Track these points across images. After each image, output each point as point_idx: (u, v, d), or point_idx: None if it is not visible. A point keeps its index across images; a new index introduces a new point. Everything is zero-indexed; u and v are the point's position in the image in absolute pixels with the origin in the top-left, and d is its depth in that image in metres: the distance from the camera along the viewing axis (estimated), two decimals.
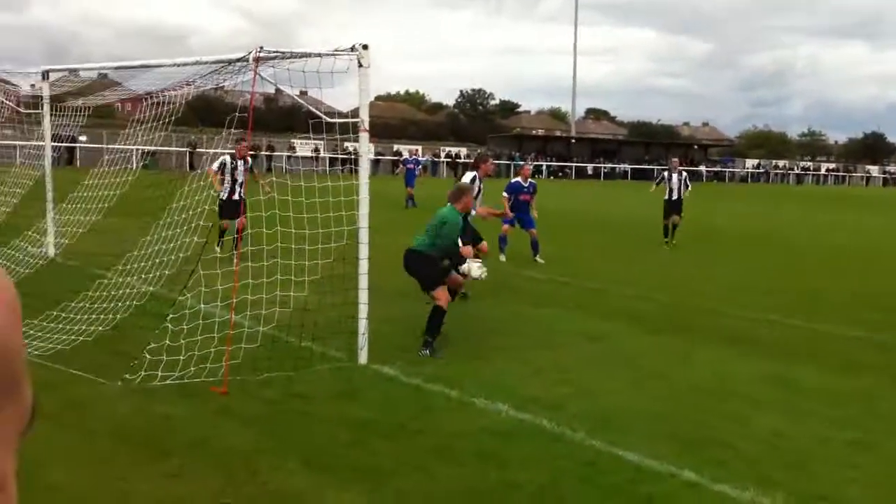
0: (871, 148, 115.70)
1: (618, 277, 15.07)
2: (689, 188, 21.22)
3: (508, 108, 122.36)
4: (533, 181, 16.82)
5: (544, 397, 7.49)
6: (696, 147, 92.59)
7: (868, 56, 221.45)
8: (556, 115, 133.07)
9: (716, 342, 10.15)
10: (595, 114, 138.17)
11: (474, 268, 9.36)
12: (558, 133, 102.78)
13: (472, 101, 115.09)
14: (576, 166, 75.72)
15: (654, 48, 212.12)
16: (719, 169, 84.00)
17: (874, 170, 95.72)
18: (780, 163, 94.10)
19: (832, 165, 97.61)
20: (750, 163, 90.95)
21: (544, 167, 75.11)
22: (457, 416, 6.95)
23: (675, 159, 23.89)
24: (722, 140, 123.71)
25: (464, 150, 74.91)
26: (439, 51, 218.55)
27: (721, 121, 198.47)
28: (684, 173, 21.29)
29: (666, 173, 21.37)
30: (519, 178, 16.76)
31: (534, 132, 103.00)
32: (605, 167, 77.89)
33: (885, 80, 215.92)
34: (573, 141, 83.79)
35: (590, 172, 76.39)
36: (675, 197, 20.58)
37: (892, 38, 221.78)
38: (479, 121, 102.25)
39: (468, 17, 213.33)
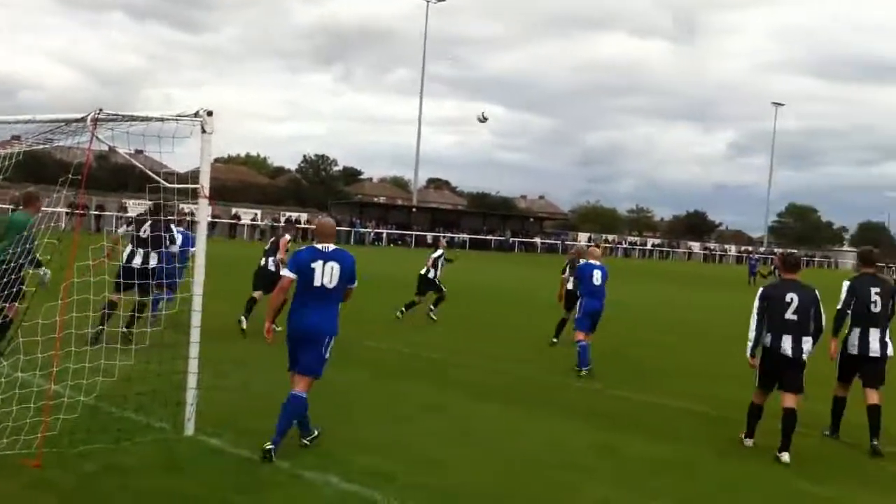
0: (693, 225, 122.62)
1: (461, 348, 15.26)
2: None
3: (351, 175, 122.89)
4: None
5: (378, 469, 7.43)
6: (531, 220, 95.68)
7: (695, 138, 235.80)
8: (398, 184, 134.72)
9: (549, 412, 10.40)
10: (437, 183, 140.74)
11: None
12: (400, 201, 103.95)
13: (315, 167, 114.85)
14: (416, 235, 76.61)
15: (498, 123, 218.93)
16: (553, 241, 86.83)
17: (696, 246, 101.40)
18: (610, 237, 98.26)
19: (657, 241, 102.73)
20: (583, 236, 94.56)
21: (384, 235, 75.68)
22: (287, 489, 6.81)
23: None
24: (556, 213, 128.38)
25: (304, 216, 74.58)
26: (284, 114, 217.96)
27: (558, 195, 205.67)
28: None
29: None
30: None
31: (375, 199, 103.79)
32: (444, 236, 79.14)
33: (709, 161, 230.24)
34: (414, 210, 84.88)
35: (429, 241, 77.36)
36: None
37: (717, 122, 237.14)
38: (322, 186, 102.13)
39: (315, 82, 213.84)
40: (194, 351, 8.27)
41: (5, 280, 9.19)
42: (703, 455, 8.94)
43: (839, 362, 9.96)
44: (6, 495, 6.22)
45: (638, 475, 7.93)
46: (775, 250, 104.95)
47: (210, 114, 8.15)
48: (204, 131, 8.16)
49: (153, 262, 12.56)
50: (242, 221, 67.76)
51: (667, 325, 22.06)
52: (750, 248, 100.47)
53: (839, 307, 9.85)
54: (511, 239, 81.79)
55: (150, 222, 12.72)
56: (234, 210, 68.02)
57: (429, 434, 8.98)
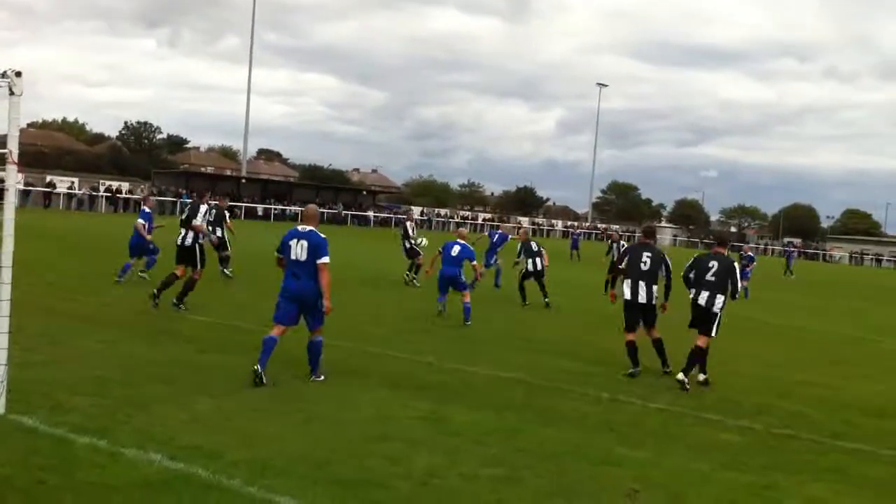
0: (522, 201, 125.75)
1: None
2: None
3: (176, 144, 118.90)
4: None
5: (202, 445, 7.24)
6: (364, 192, 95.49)
7: (525, 115, 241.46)
8: (227, 154, 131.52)
9: (380, 384, 10.43)
10: (267, 154, 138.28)
11: None
12: (229, 172, 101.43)
13: (138, 135, 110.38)
14: (245, 206, 75.02)
15: (331, 94, 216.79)
16: (386, 215, 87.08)
17: (525, 221, 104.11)
18: (443, 211, 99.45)
19: (488, 215, 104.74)
20: (416, 209, 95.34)
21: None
22: (104, 468, 6.52)
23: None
24: (390, 187, 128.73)
25: (126, 185, 71.55)
26: (104, 79, 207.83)
27: (391, 168, 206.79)
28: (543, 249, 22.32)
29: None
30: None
31: (203, 169, 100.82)
32: (275, 209, 77.91)
33: (539, 138, 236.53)
34: (243, 181, 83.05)
35: (260, 213, 76.04)
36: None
37: (547, 101, 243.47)
38: (144, 155, 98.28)
39: (138, 46, 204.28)
40: (3, 325, 7.78)
41: None
42: (526, 422, 9.19)
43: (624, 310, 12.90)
44: None
45: (463, 445, 8.06)
46: (598, 225, 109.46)
47: (19, 74, 7.65)
48: (12, 93, 7.66)
49: None
50: (58, 190, 64.24)
51: (495, 297, 22.51)
52: (575, 224, 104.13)
53: (620, 266, 13.33)
54: (344, 212, 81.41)
55: None
56: (48, 178, 64.40)
57: (255, 409, 8.81)
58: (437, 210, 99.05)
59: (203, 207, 16.61)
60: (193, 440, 7.40)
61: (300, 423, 8.41)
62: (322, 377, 10.34)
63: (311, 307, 10.24)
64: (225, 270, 21.52)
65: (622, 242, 28.50)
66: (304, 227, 10.26)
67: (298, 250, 10.13)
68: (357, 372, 11.10)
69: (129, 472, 6.49)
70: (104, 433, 7.28)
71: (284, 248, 10.29)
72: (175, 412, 8.35)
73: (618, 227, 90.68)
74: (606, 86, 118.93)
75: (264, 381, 9.76)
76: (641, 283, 12.56)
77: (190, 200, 23.13)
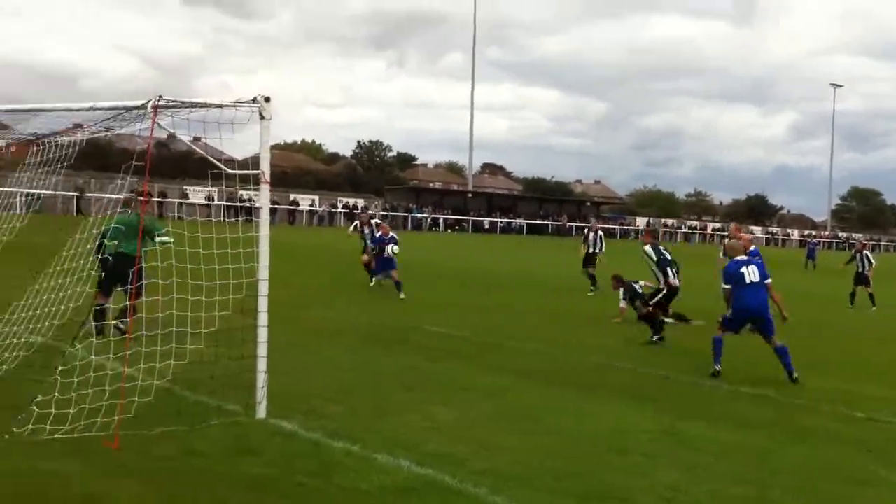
0: (753, 209, 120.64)
1: (515, 332, 15.24)
2: (604, 245, 24.33)
3: (405, 160, 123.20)
4: (393, 234, 21.00)
5: (447, 453, 7.46)
6: (588, 204, 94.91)
7: (754, 121, 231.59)
8: (453, 169, 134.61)
9: (612, 397, 10.33)
10: (491, 168, 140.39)
11: None
12: (455, 187, 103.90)
13: (370, 153, 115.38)
14: (472, 220, 76.57)
15: (552, 107, 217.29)
16: (611, 226, 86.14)
17: (757, 230, 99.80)
18: (669, 221, 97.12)
19: (718, 225, 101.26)
20: (641, 220, 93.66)
21: (441, 220, 75.75)
22: (359, 472, 6.85)
23: (594, 219, 28.71)
24: (613, 198, 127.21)
25: (361, 201, 74.89)
26: (338, 101, 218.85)
27: (614, 179, 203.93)
28: (600, 232, 24.54)
29: (585, 231, 25.41)
30: (381, 233, 20.94)
31: (431, 185, 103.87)
32: (501, 222, 79.00)
33: (769, 143, 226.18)
34: (470, 195, 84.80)
35: (486, 227, 77.34)
36: (591, 251, 23.83)
37: (777, 104, 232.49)
38: (376, 172, 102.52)
39: (368, 68, 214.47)
40: (262, 335, 8.37)
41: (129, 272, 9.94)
42: (772, 440, 8.79)
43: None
44: (89, 477, 6.36)
45: (706, 462, 7.82)
46: (839, 234, 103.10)
47: (268, 100, 8.22)
48: (262, 117, 8.23)
49: None
50: (301, 207, 68.31)
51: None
52: (813, 233, 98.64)
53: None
54: (568, 224, 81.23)
55: None
56: (292, 196, 68.61)
57: (492, 418, 8.98)
58: (663, 220, 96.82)
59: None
60: (438, 448, 7.63)
61: (539, 433, 8.47)
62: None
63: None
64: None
65: (866, 252, 26.72)
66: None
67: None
68: (588, 385, 11.04)
69: (381, 477, 6.78)
70: (356, 439, 7.64)
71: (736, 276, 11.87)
72: (418, 420, 8.65)
73: (861, 235, 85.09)
74: (841, 86, 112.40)
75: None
76: None
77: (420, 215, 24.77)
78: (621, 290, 17.13)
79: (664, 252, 16.38)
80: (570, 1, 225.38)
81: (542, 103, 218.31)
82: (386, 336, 13.97)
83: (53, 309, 9.29)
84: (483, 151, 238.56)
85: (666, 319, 17.24)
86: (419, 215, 74.31)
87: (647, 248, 16.39)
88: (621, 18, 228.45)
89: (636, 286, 16.95)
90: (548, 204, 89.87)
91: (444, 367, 11.60)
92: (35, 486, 6.07)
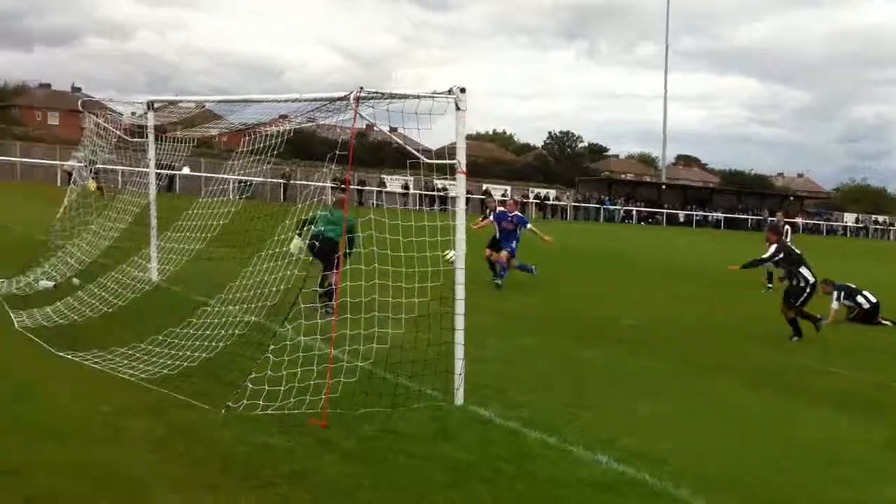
0: None
1: (719, 329, 14.76)
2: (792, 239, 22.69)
3: (596, 151, 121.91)
4: (519, 214, 19.34)
5: (646, 451, 7.30)
6: (791, 198, 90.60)
7: None
8: (646, 161, 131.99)
9: (822, 402, 9.81)
10: (685, 160, 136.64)
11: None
12: (648, 178, 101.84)
13: (561, 143, 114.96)
14: (667, 213, 74.79)
15: (749, 96, 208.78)
16: (816, 221, 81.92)
17: None
18: (881, 218, 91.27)
19: None
20: (849, 216, 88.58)
21: (634, 213, 74.45)
22: (555, 464, 6.81)
23: (780, 213, 27.27)
24: (818, 192, 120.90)
25: (552, 192, 74.75)
26: (529, 92, 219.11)
27: (819, 172, 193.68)
28: (787, 226, 22.89)
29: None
30: (505, 209, 19.14)
31: (623, 176, 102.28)
32: (697, 215, 76.78)
33: None
34: (663, 187, 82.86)
35: (681, 220, 75.38)
36: None
37: None
38: (567, 163, 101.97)
39: (559, 59, 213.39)
40: (460, 322, 8.47)
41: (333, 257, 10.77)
42: None
43: None
44: (298, 451, 6.65)
45: None
46: None
47: (463, 90, 8.29)
48: (458, 108, 8.30)
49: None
50: (493, 197, 68.91)
51: None
52: None
53: None
54: (769, 219, 77.82)
55: None
56: (484, 186, 69.33)
57: (697, 417, 8.73)
58: (873, 217, 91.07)
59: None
60: (637, 444, 7.47)
61: (746, 436, 8.15)
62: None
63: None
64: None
65: None
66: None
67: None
68: (793, 387, 10.53)
69: (577, 470, 6.72)
70: (553, 430, 7.61)
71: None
72: (616, 414, 8.52)
73: None
74: None
75: None
76: None
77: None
78: (833, 292, 16.39)
79: (795, 250, 15.13)
80: None
81: (739, 93, 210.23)
82: (585, 327, 13.84)
83: (265, 290, 9.79)
84: (676, 143, 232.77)
85: (884, 322, 16.37)
86: (612, 207, 73.33)
87: (774, 247, 14.55)
88: (823, 5, 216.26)
89: (849, 286, 16.24)
90: (747, 197, 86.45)
91: (646, 362, 11.34)
92: (247, 458, 6.39)
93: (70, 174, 20.62)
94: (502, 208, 19.47)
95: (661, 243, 44.57)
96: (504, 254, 18.11)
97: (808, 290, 13.94)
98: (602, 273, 19.36)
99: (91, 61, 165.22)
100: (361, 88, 8.15)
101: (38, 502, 5.24)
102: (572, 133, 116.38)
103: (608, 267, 19.21)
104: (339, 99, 8.69)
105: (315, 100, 9.57)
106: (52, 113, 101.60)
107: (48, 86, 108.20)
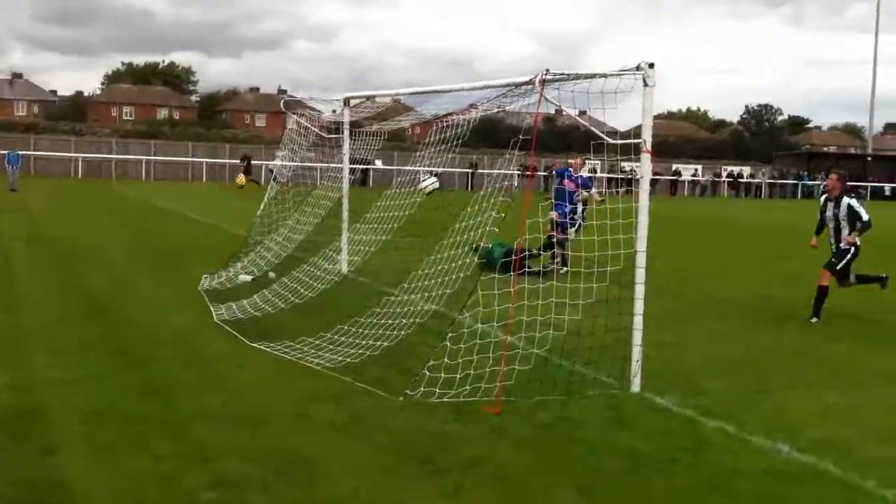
0: None
1: None
2: None
3: (797, 124, 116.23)
4: (584, 176, 16.96)
5: (832, 440, 7.00)
6: None
7: None
8: (851, 131, 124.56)
9: None
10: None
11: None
12: (853, 150, 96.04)
13: (758, 118, 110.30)
14: (871, 186, 70.29)
15: None
16: None
17: None
18: None
19: None
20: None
21: None
22: (734, 453, 6.65)
23: None
24: None
25: (747, 170, 71.91)
26: (726, 66, 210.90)
27: None
28: None
29: None
30: (571, 169, 17.15)
31: (825, 149, 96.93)
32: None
33: None
34: (869, 159, 77.90)
35: (887, 193, 70.66)
36: None
37: None
38: (765, 138, 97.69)
39: (761, 27, 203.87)
40: (639, 307, 8.38)
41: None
42: None
43: None
44: (472, 439, 6.81)
45: None
46: None
47: (651, 66, 8.10)
48: (646, 84, 8.14)
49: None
50: (682, 178, 67.07)
51: None
52: None
53: None
54: None
55: None
56: (674, 166, 67.62)
57: (890, 405, 8.24)
58: None
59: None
60: (823, 433, 7.17)
61: None
62: None
63: None
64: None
65: None
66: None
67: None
68: None
69: (757, 459, 6.53)
70: (732, 418, 7.41)
71: None
72: (803, 403, 8.19)
73: None
74: None
75: None
76: None
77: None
78: None
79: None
80: None
81: None
82: (776, 310, 13.32)
83: (446, 279, 10.03)
84: (887, 110, 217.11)
85: None
86: (810, 182, 69.67)
87: (853, 201, 13.06)
88: None
89: None
90: None
91: (841, 347, 10.79)
92: (424, 445, 6.60)
93: (272, 171, 21.76)
94: (569, 168, 17.53)
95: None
96: (554, 214, 15.47)
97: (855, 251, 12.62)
98: (797, 252, 18.44)
99: (296, 63, 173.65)
100: (547, 70, 8.17)
101: (226, 488, 5.61)
102: (771, 106, 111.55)
103: (804, 246, 18.22)
104: (525, 83, 8.75)
105: (502, 85, 9.70)
106: (259, 115, 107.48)
107: (257, 89, 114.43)
